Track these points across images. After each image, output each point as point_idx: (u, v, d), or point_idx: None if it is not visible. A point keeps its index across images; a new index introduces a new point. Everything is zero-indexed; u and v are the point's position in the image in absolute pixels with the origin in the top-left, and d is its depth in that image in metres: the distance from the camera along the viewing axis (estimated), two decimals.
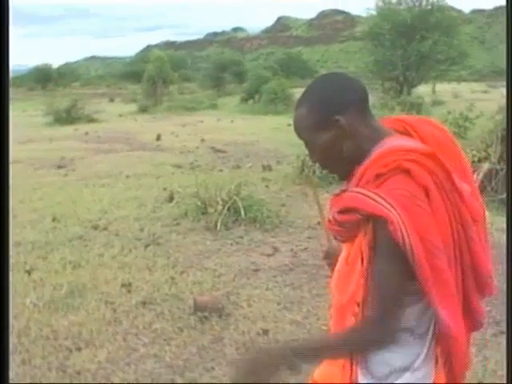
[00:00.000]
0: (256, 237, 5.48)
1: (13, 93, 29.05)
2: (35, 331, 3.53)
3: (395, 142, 1.34)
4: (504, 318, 3.39)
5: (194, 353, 3.25)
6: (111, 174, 9.26)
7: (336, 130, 1.36)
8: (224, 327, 3.56)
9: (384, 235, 1.24)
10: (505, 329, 3.14)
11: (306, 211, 6.31)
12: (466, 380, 1.51)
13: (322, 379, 1.57)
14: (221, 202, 5.77)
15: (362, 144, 1.36)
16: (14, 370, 3.07)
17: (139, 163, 10.35)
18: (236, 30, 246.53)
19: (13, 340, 3.40)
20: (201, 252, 5.06)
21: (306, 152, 1.50)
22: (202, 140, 13.87)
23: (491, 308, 3.62)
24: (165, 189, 7.76)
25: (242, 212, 5.73)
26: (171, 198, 7.04)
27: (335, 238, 1.50)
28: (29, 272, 4.60)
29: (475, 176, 7.83)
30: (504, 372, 2.71)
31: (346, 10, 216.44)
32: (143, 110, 25.58)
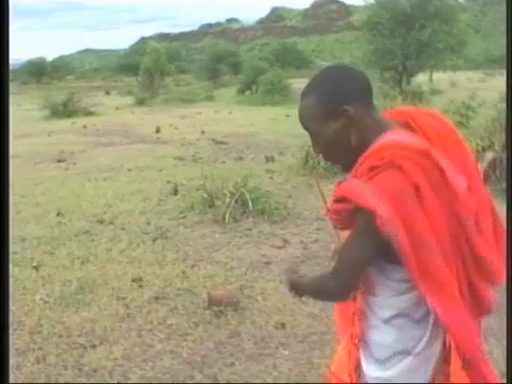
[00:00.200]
0: (265, 229, 5.42)
1: None
2: (47, 328, 3.46)
3: (392, 136, 1.36)
4: None
5: (211, 348, 3.19)
6: (113, 167, 9.16)
7: (344, 120, 1.38)
8: (240, 321, 3.50)
9: (363, 218, 1.32)
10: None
11: (312, 202, 6.25)
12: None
13: (336, 368, 1.69)
14: (228, 195, 5.69)
15: (366, 135, 1.39)
16: (29, 369, 3.00)
17: (140, 156, 10.25)
18: (230, 21, 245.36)
19: (25, 338, 3.34)
20: (210, 245, 4.99)
21: (309, 143, 1.50)
22: (202, 132, 13.76)
23: None
24: (168, 181, 7.68)
25: (250, 204, 5.66)
26: (176, 191, 6.96)
27: (335, 226, 1.57)
28: (36, 268, 4.52)
29: (479, 165, 7.79)
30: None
31: (341, 0, 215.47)
32: (140, 102, 25.42)
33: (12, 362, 3.00)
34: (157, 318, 3.56)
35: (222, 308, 3.59)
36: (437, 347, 1.45)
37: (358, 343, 1.53)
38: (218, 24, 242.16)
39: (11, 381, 2.75)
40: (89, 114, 19.65)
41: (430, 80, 31.69)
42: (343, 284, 1.42)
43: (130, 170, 8.86)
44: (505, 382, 1.69)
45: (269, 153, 10.07)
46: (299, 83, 18.50)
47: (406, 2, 19.31)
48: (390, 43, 19.01)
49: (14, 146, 11.40)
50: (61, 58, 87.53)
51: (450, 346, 1.47)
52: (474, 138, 8.21)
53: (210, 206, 5.93)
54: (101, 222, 5.80)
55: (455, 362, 1.47)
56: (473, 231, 1.36)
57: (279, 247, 4.92)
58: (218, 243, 5.04)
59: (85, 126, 15.71)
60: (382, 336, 1.46)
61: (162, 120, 16.96)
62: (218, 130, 14.11)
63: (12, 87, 41.46)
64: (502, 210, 5.03)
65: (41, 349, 3.22)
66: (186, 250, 4.86)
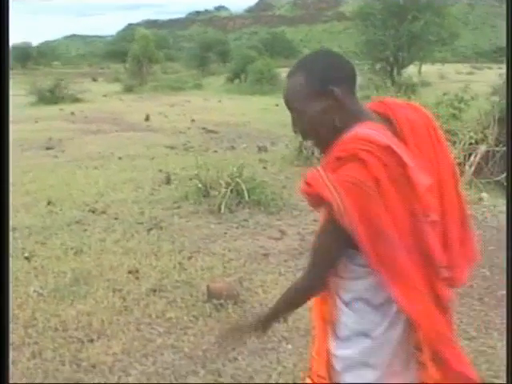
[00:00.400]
0: (261, 220, 5.34)
1: None
2: (42, 322, 3.35)
3: (362, 129, 1.38)
4: None
5: (213, 342, 3.10)
6: (103, 155, 9.01)
7: (331, 101, 1.41)
8: (241, 315, 3.43)
9: (328, 209, 1.36)
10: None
11: None
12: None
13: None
14: (224, 185, 5.59)
15: (346, 120, 1.42)
16: (25, 364, 2.90)
17: (130, 144, 10.10)
18: (219, 8, 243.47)
19: (19, 332, 3.23)
20: (206, 236, 4.90)
21: None
22: (192, 120, 13.62)
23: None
24: (160, 170, 7.57)
25: (246, 194, 5.57)
26: (168, 180, 6.86)
27: (308, 204, 1.55)
28: (28, 259, 4.40)
29: (472, 158, 7.78)
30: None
31: None
32: (128, 89, 25.14)
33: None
34: (155, 311, 3.47)
35: (222, 301, 3.51)
36: (396, 333, 1.48)
37: (327, 322, 1.60)
38: (206, 12, 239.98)
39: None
40: (76, 100, 19.38)
41: (419, 72, 31.69)
42: (319, 276, 1.49)
43: (120, 158, 8.71)
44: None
45: (261, 142, 9.99)
46: None
47: None
48: (381, 34, 18.91)
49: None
50: (46, 43, 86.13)
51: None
52: (467, 131, 8.19)
53: (204, 196, 5.84)
54: (93, 211, 5.68)
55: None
56: (427, 232, 1.37)
57: (276, 239, 4.85)
58: (214, 234, 4.96)
59: (73, 113, 15.48)
60: (344, 317, 1.52)
61: (151, 108, 16.77)
62: (209, 119, 13.97)
63: None
64: (495, 203, 5.01)
65: (36, 343, 3.12)
66: (182, 241, 4.77)
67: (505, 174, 7.07)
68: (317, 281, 1.50)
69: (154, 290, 3.77)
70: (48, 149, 9.75)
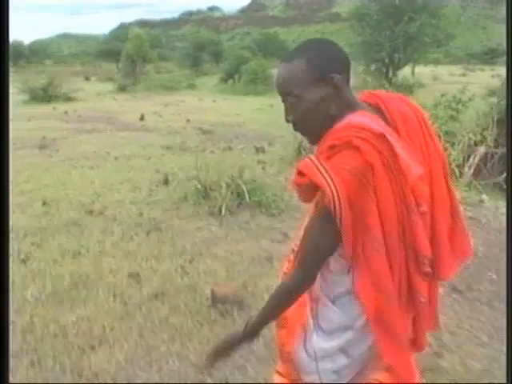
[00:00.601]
0: (263, 222, 5.24)
1: None
2: (41, 328, 3.23)
3: (356, 118, 1.37)
4: None
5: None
6: (98, 155, 8.87)
7: (330, 89, 1.39)
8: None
9: (322, 201, 1.35)
10: None
11: None
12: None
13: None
14: (224, 186, 5.48)
15: (341, 108, 1.40)
16: (24, 373, 2.78)
17: (126, 144, 9.97)
18: (212, 9, 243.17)
19: (17, 339, 3.11)
20: (207, 238, 4.79)
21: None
22: (188, 120, 13.50)
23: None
24: (157, 171, 7.45)
25: (247, 196, 5.47)
26: (166, 181, 6.73)
27: (299, 198, 1.54)
28: (24, 261, 4.27)
29: (471, 159, 7.73)
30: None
31: None
32: (122, 89, 24.96)
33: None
34: (158, 317, 3.36)
35: (227, 306, 3.41)
36: None
37: (309, 315, 1.60)
38: (199, 12, 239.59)
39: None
40: (69, 99, 19.20)
41: (413, 73, 31.73)
42: (309, 274, 1.46)
43: (116, 158, 8.58)
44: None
45: (258, 143, 9.89)
46: None
47: None
48: (377, 35, 18.86)
49: None
50: (38, 41, 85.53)
51: None
52: (465, 132, 8.15)
53: (203, 198, 5.73)
54: (90, 212, 5.55)
55: None
56: (417, 223, 1.36)
57: (279, 241, 4.75)
58: (216, 236, 4.85)
59: (66, 112, 15.30)
60: (330, 313, 1.53)
61: (145, 107, 16.63)
62: (204, 119, 13.86)
63: None
64: (496, 205, 4.93)
65: (35, 350, 3.00)
66: (183, 244, 4.65)
67: (504, 176, 7.03)
68: (307, 279, 1.46)
69: (156, 295, 3.65)
70: (42, 148, 9.60)
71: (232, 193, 5.53)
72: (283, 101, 1.48)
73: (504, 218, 5.57)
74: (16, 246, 4.60)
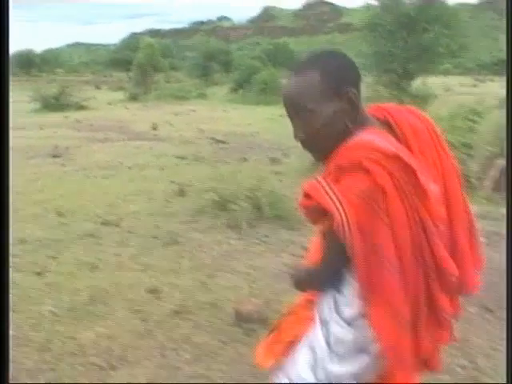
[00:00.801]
0: (283, 236, 5.10)
1: None
2: (58, 346, 3.10)
3: (366, 136, 1.30)
4: None
5: (246, 372, 2.86)
6: (111, 164, 8.79)
7: (344, 103, 1.32)
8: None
9: (331, 225, 1.29)
10: None
11: None
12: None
13: None
14: (243, 198, 5.36)
15: (354, 125, 1.34)
16: None
17: (139, 153, 9.89)
18: (221, 19, 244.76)
19: (34, 357, 2.99)
20: (227, 252, 4.66)
21: None
22: (200, 130, 13.43)
23: None
24: (172, 182, 7.34)
25: (266, 209, 5.34)
26: (182, 192, 6.62)
27: (306, 219, 1.48)
28: (40, 274, 4.16)
29: (491, 172, 7.57)
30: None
31: (332, 2, 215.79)
32: (133, 98, 25.04)
33: None
34: (180, 336, 3.22)
35: (251, 325, 3.27)
36: None
37: (320, 337, 1.51)
38: (209, 22, 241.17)
39: None
40: (81, 108, 19.24)
41: (424, 84, 31.58)
42: (329, 277, 1.45)
43: (130, 168, 8.50)
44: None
45: (272, 154, 9.78)
46: None
47: (410, 5, 19.05)
48: (391, 45, 18.76)
49: None
50: (50, 50, 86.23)
51: None
52: (483, 144, 8.01)
53: (221, 210, 5.60)
54: (105, 223, 5.44)
55: None
56: (436, 243, 1.31)
57: (300, 256, 4.60)
58: (235, 250, 4.72)
59: (78, 121, 15.30)
60: (341, 334, 1.45)
61: (156, 116, 16.60)
62: (216, 129, 13.79)
63: None
64: None
65: (53, 370, 2.87)
66: (202, 258, 4.53)
67: None
68: (326, 282, 1.47)
69: (177, 312, 3.52)
70: (55, 157, 9.54)
71: (251, 205, 5.40)
72: (292, 116, 1.39)
73: None
74: (31, 258, 4.50)
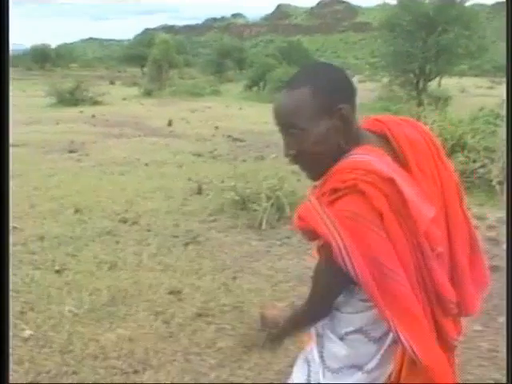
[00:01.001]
0: None
1: (11, 72, 28.13)
2: (80, 348, 3.03)
3: (361, 157, 1.26)
4: None
5: (272, 379, 2.77)
6: (128, 160, 8.72)
7: (337, 120, 1.27)
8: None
9: (325, 247, 1.25)
10: None
11: None
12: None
13: None
14: (264, 198, 5.26)
15: (348, 142, 1.29)
16: None
17: (156, 150, 9.83)
18: (235, 16, 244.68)
19: (55, 359, 2.91)
20: (248, 253, 4.57)
21: None
22: (216, 128, 13.34)
23: None
24: (189, 179, 7.26)
25: (287, 209, 5.23)
26: (200, 190, 6.54)
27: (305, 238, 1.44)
28: (59, 272, 4.09)
29: None
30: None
31: (346, 0, 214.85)
32: (148, 93, 24.98)
33: None
34: (204, 340, 3.14)
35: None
36: (389, 367, 1.41)
37: (314, 350, 1.50)
38: (222, 18, 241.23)
39: None
40: (96, 103, 19.19)
41: (439, 85, 31.29)
42: (322, 307, 1.41)
43: (147, 164, 8.42)
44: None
45: None
46: None
47: (429, 5, 18.83)
48: (409, 45, 18.54)
49: (21, 133, 10.98)
50: (64, 45, 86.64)
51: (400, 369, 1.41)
52: (503, 149, 7.82)
53: (241, 209, 5.51)
54: (124, 221, 5.36)
55: None
56: (434, 268, 1.27)
57: None
58: (257, 251, 4.62)
59: (93, 116, 15.26)
60: (335, 349, 1.43)
61: (171, 113, 16.53)
62: (232, 127, 13.69)
63: (16, 73, 40.96)
64: None
65: (75, 373, 2.79)
66: (223, 259, 4.44)
67: None
68: (320, 311, 1.43)
69: (200, 315, 3.43)
70: (71, 152, 9.49)
71: (272, 205, 5.30)
72: (283, 133, 1.34)
73: None
74: (50, 255, 4.44)
